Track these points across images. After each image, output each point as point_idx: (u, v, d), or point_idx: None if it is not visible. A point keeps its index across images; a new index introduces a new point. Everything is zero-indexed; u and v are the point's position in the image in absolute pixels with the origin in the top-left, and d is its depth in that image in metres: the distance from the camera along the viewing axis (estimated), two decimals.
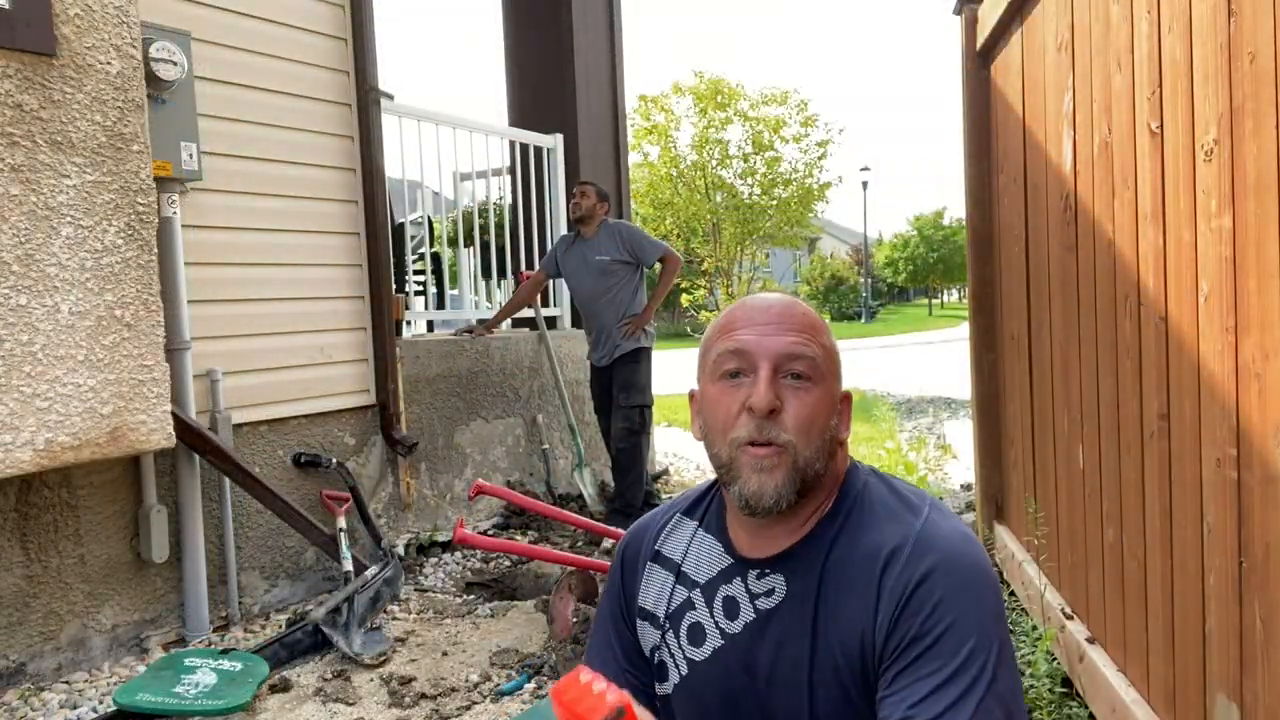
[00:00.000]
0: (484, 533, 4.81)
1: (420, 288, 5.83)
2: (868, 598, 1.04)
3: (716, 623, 1.14)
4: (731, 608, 1.14)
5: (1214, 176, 1.61)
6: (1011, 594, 3.22)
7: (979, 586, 1.02)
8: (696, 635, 1.16)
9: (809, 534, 1.11)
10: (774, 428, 1.06)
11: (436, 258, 5.95)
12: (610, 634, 1.28)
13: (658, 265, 5.12)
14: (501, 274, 5.83)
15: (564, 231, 5.32)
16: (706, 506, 1.25)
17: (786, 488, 1.06)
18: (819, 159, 17.36)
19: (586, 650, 1.33)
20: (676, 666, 1.18)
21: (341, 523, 3.94)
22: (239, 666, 2.98)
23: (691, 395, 1.18)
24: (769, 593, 1.11)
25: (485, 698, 2.96)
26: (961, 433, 7.33)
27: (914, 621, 1.00)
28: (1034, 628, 2.80)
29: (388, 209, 4.59)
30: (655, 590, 1.23)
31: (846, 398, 1.16)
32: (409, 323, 5.15)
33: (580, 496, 5.36)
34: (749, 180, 17.30)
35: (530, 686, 3.02)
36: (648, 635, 1.23)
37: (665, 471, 6.84)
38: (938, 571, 1.01)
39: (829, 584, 1.07)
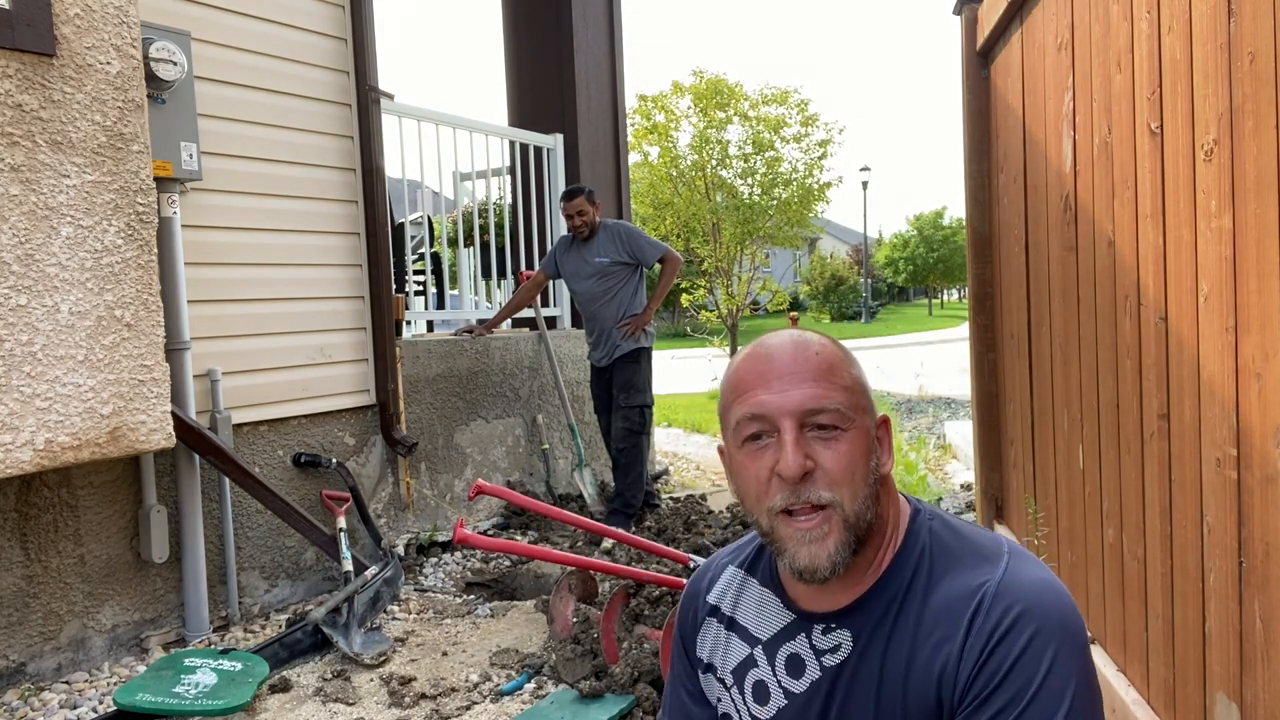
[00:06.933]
0: (484, 533, 4.81)
1: (420, 288, 5.83)
2: (951, 644, 0.98)
3: (780, 681, 1.09)
4: (796, 666, 1.08)
5: (1214, 176, 1.61)
6: None
7: (1067, 636, 0.96)
8: (760, 694, 1.11)
9: (877, 584, 1.05)
10: (810, 489, 0.99)
11: (436, 258, 5.94)
12: (681, 692, 1.24)
13: (658, 265, 5.12)
14: (501, 274, 5.84)
15: (564, 231, 5.32)
16: (756, 557, 1.20)
17: (841, 552, 1.00)
18: (819, 159, 17.34)
19: (661, 711, 1.30)
20: None
21: (341, 523, 3.94)
22: (239, 666, 2.98)
23: (720, 451, 1.11)
24: (835, 649, 1.05)
25: (485, 698, 2.96)
26: (961, 433, 7.33)
27: (998, 670, 0.95)
28: None
29: (388, 209, 4.58)
30: (711, 643, 1.19)
31: (883, 423, 1.07)
32: (409, 323, 5.15)
33: (580, 496, 5.36)
34: (749, 180, 17.28)
35: (530, 686, 3.02)
36: (711, 687, 1.19)
37: (665, 471, 6.84)
38: (1025, 619, 0.95)
39: (901, 635, 1.02)
